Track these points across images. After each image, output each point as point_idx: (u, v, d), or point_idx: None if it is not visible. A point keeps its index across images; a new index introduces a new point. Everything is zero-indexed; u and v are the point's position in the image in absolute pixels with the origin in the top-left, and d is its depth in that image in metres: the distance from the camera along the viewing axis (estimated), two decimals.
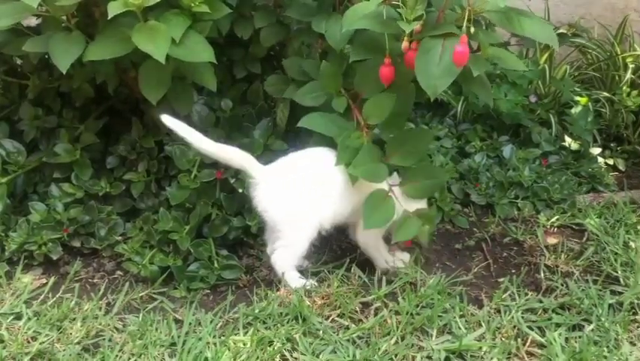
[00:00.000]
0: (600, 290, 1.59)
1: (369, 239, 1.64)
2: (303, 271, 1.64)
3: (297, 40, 1.81)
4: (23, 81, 1.84)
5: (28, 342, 1.40)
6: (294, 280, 1.57)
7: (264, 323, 1.46)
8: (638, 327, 1.47)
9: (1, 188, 1.72)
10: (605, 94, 2.41)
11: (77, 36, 1.50)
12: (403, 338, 1.41)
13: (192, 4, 1.50)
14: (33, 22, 1.69)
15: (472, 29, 1.33)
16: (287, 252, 1.56)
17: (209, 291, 1.61)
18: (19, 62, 1.89)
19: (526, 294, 1.58)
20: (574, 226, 1.92)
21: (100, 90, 1.79)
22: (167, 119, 1.49)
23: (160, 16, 1.47)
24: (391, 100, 1.52)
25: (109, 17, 1.36)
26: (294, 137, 1.87)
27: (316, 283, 1.58)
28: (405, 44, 1.41)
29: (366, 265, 1.70)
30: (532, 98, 2.31)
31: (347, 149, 1.53)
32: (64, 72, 1.45)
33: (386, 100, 1.53)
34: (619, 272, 1.66)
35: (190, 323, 1.46)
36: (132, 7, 1.40)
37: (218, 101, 1.84)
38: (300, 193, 1.55)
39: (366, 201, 1.52)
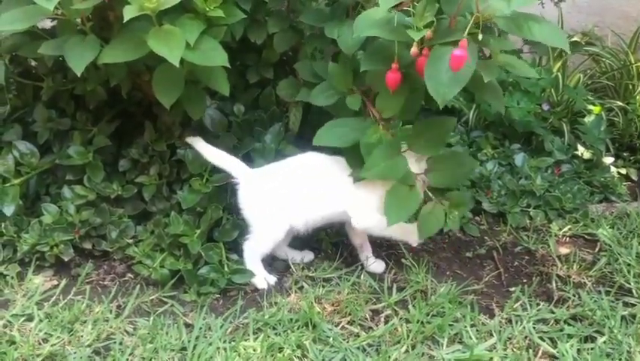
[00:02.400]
0: (613, 302, 1.58)
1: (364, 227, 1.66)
2: (314, 277, 1.64)
3: (309, 45, 1.81)
4: (37, 83, 1.85)
5: (40, 344, 1.40)
6: (257, 271, 1.64)
7: (274, 328, 1.46)
8: None
9: (14, 189, 1.72)
10: (619, 103, 2.40)
11: (92, 39, 1.50)
12: (413, 347, 1.41)
13: (207, 9, 1.50)
14: (47, 24, 1.70)
15: (481, 36, 1.32)
16: (255, 246, 1.64)
17: (219, 295, 1.61)
18: (33, 63, 1.90)
19: (538, 304, 1.57)
20: (586, 236, 1.91)
21: (113, 93, 1.79)
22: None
23: (175, 21, 1.48)
24: (403, 93, 1.51)
25: (124, 21, 1.37)
26: (305, 142, 1.87)
27: (273, 283, 1.64)
28: (414, 50, 1.40)
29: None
30: (545, 107, 2.30)
31: (367, 147, 1.52)
32: (79, 75, 1.46)
33: (397, 94, 1.51)
34: (632, 284, 1.65)
35: (200, 328, 1.46)
36: (147, 11, 1.40)
37: (230, 105, 1.85)
38: (275, 197, 1.62)
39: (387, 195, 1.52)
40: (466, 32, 1.32)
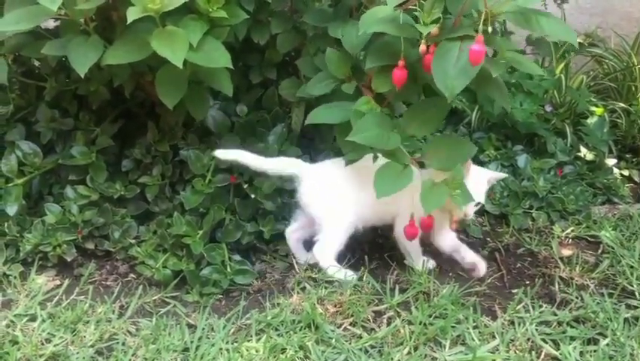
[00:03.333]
0: (615, 304, 1.57)
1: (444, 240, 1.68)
2: (316, 278, 1.65)
3: (313, 45, 1.81)
4: (40, 83, 1.85)
5: (42, 344, 1.40)
6: (336, 271, 1.63)
7: (277, 330, 1.46)
8: None
9: (17, 189, 1.73)
10: (621, 104, 2.39)
11: (95, 40, 1.51)
12: (416, 349, 1.41)
13: (210, 10, 1.51)
14: (51, 24, 1.70)
15: (490, 29, 1.33)
16: (326, 246, 1.64)
17: (221, 296, 1.61)
18: (36, 63, 1.90)
19: (541, 306, 1.57)
20: (589, 238, 1.90)
21: (116, 93, 1.79)
22: (220, 153, 1.64)
23: (178, 22, 1.48)
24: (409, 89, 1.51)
25: (128, 22, 1.37)
26: (308, 142, 1.88)
27: (356, 275, 1.63)
28: (422, 47, 1.40)
29: (380, 273, 1.69)
30: (548, 108, 2.30)
31: (357, 114, 1.50)
32: (82, 76, 1.46)
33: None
34: (635, 286, 1.64)
35: (203, 329, 1.46)
36: (151, 12, 1.41)
37: (233, 106, 1.85)
38: (339, 191, 1.63)
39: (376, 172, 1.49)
40: (480, 27, 1.31)
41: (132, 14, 1.38)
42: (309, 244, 1.71)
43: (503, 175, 1.79)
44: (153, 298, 1.58)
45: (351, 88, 1.58)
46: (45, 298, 1.56)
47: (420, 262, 1.70)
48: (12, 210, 1.70)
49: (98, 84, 1.75)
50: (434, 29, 1.38)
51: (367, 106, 1.51)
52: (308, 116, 1.61)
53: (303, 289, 1.62)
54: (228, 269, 1.63)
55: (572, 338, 1.45)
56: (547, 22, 1.39)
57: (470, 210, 1.62)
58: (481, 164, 2.12)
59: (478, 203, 1.64)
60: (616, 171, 2.25)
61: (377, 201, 1.51)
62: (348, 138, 1.45)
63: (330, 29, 1.66)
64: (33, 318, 1.48)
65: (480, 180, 1.64)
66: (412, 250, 1.70)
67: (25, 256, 1.67)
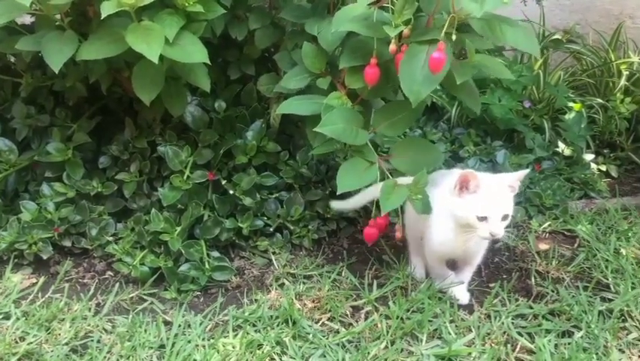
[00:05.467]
0: (590, 297, 1.59)
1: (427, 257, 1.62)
2: (294, 274, 1.64)
3: (291, 42, 1.80)
4: (16, 79, 1.83)
5: (16, 342, 1.39)
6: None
7: (254, 325, 1.46)
8: (627, 334, 1.47)
9: None
10: (599, 100, 2.41)
11: (70, 35, 1.49)
12: (392, 343, 1.41)
13: (186, 4, 1.49)
14: (27, 20, 1.68)
15: (454, 37, 1.32)
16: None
17: (199, 293, 1.60)
18: (12, 59, 1.88)
19: (517, 300, 1.58)
20: (565, 232, 1.92)
21: (93, 89, 1.77)
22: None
23: (154, 16, 1.46)
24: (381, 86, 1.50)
25: (102, 17, 1.36)
26: (287, 139, 1.87)
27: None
28: (392, 47, 1.40)
29: (358, 268, 1.70)
30: (527, 104, 2.32)
31: (327, 108, 1.50)
32: (56, 71, 1.44)
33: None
34: (609, 279, 1.66)
35: (179, 325, 1.45)
36: (126, 7, 1.39)
37: (211, 102, 1.84)
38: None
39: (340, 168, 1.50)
40: (442, 33, 1.32)
41: (107, 9, 1.37)
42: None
43: (524, 172, 1.50)
44: (130, 295, 1.57)
45: (325, 83, 1.58)
46: (20, 297, 1.54)
47: (439, 281, 1.59)
48: None
49: (74, 80, 1.72)
50: (405, 30, 1.38)
51: (338, 101, 1.52)
52: (279, 107, 1.60)
53: (282, 285, 1.62)
54: (207, 266, 1.63)
55: (547, 331, 1.47)
56: (512, 31, 1.38)
57: (495, 227, 1.40)
58: (461, 160, 2.14)
59: (506, 216, 1.43)
60: (593, 166, 2.28)
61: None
62: (315, 128, 1.46)
63: (306, 26, 1.65)
64: (7, 316, 1.47)
65: (500, 189, 1.44)
66: (431, 266, 1.62)
67: (0, 254, 1.65)
